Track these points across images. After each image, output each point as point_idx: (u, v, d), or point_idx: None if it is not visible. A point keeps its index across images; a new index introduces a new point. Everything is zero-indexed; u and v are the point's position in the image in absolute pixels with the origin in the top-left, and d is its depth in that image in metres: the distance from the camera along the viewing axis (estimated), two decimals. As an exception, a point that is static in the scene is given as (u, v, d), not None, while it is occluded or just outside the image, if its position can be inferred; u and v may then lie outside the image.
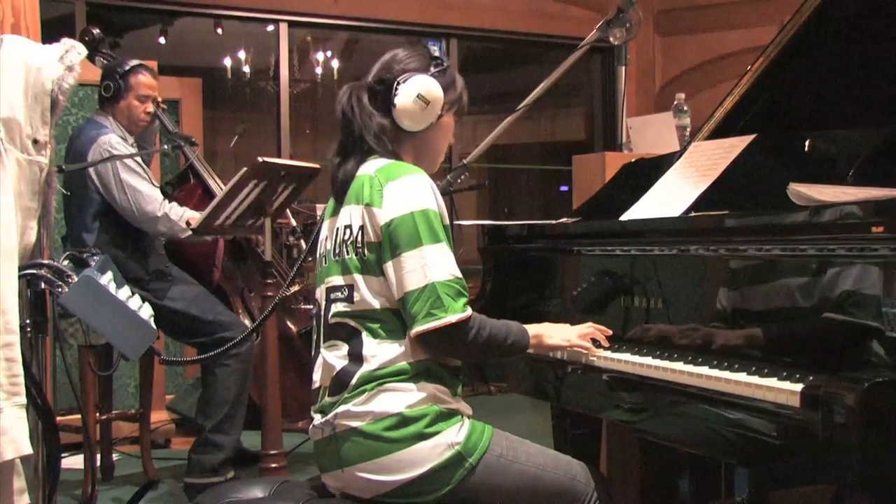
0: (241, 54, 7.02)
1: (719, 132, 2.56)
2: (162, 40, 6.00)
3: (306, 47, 7.02)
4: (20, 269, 2.05)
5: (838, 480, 1.47)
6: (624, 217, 2.26)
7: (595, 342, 2.05)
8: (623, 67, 3.53)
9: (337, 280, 1.89)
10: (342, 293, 1.88)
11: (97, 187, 3.35)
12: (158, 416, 4.25)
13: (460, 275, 1.83)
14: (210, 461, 3.37)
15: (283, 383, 3.52)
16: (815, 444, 1.46)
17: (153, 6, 5.39)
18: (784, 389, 1.54)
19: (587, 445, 2.56)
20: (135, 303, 2.08)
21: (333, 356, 1.87)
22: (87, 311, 2.06)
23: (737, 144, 2.16)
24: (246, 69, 7.09)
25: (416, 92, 1.90)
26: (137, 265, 3.38)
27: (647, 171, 2.42)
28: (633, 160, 2.77)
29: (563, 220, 2.60)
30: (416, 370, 1.81)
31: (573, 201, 3.27)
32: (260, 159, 3.06)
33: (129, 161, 3.33)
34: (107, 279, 2.04)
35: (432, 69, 1.95)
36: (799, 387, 1.52)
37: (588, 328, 2.06)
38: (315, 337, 1.96)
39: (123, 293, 2.07)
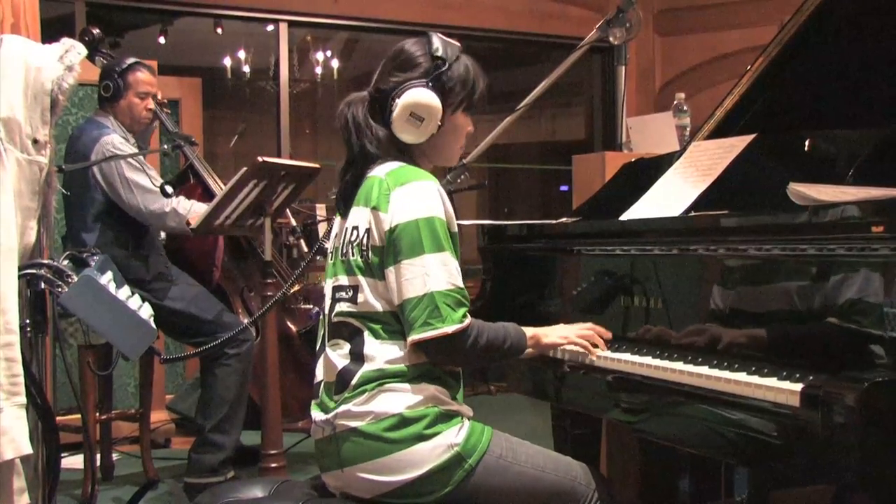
0: (241, 54, 7.02)
1: (719, 132, 2.56)
2: (162, 40, 6.00)
3: (306, 47, 7.02)
4: (20, 268, 2.05)
5: (838, 480, 1.46)
6: (624, 217, 2.26)
7: (594, 346, 2.04)
8: (623, 67, 3.53)
9: (343, 280, 1.89)
10: (346, 293, 1.87)
11: (101, 187, 3.35)
12: (158, 416, 4.25)
13: (461, 284, 1.82)
14: (210, 461, 3.37)
15: (283, 383, 3.52)
16: (815, 443, 1.46)
17: (153, 6, 5.38)
18: (784, 389, 1.54)
19: (587, 445, 2.56)
20: (134, 302, 2.08)
21: (336, 355, 1.87)
22: (86, 311, 2.05)
23: (736, 144, 2.16)
24: (246, 69, 7.09)
25: (409, 111, 1.85)
26: (138, 265, 3.38)
27: (647, 171, 2.42)
28: (632, 160, 2.77)
29: (563, 219, 2.60)
30: (417, 372, 1.81)
31: (573, 201, 3.27)
32: (260, 159, 3.06)
33: (132, 159, 3.33)
34: (106, 279, 2.04)
35: (435, 72, 1.89)
36: (799, 386, 1.52)
37: (587, 328, 2.06)
38: (322, 332, 1.96)
39: (123, 293, 2.07)
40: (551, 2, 6.16)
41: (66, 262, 2.09)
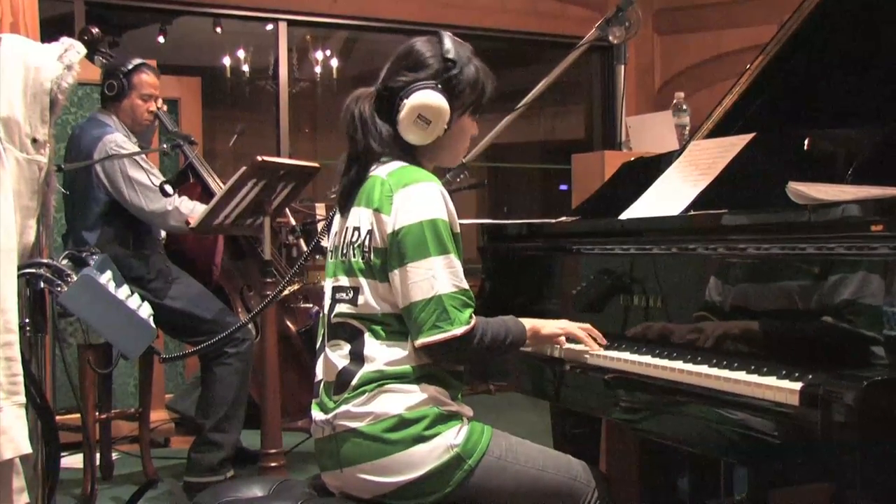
0: (241, 53, 7.01)
1: (718, 131, 2.56)
2: (161, 39, 5.99)
3: (305, 46, 7.01)
4: (19, 268, 2.05)
5: (837, 479, 1.46)
6: (623, 216, 2.26)
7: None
8: (622, 66, 3.53)
9: (343, 280, 1.89)
10: (347, 294, 1.87)
11: (105, 186, 3.35)
12: (158, 415, 4.25)
13: (466, 286, 1.82)
14: (209, 460, 3.37)
15: (283, 382, 3.52)
16: (815, 442, 1.46)
17: (152, 5, 5.39)
18: (783, 388, 1.54)
19: (587, 444, 2.56)
20: (134, 302, 2.08)
21: (336, 355, 1.87)
22: (86, 311, 2.05)
23: (736, 143, 2.16)
24: (245, 68, 7.09)
25: (417, 112, 1.84)
26: (139, 264, 3.38)
27: (647, 170, 2.42)
28: (632, 159, 2.77)
29: (563, 218, 2.59)
30: (418, 373, 1.81)
31: (572, 200, 3.27)
32: (259, 158, 3.05)
33: (135, 158, 3.33)
34: (106, 278, 2.04)
35: (444, 74, 1.87)
36: (798, 385, 1.52)
37: (584, 328, 2.06)
38: (321, 332, 1.96)
39: (122, 292, 2.06)
40: (551, 1, 6.16)
41: (65, 262, 2.09)
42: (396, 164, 1.87)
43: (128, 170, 3.32)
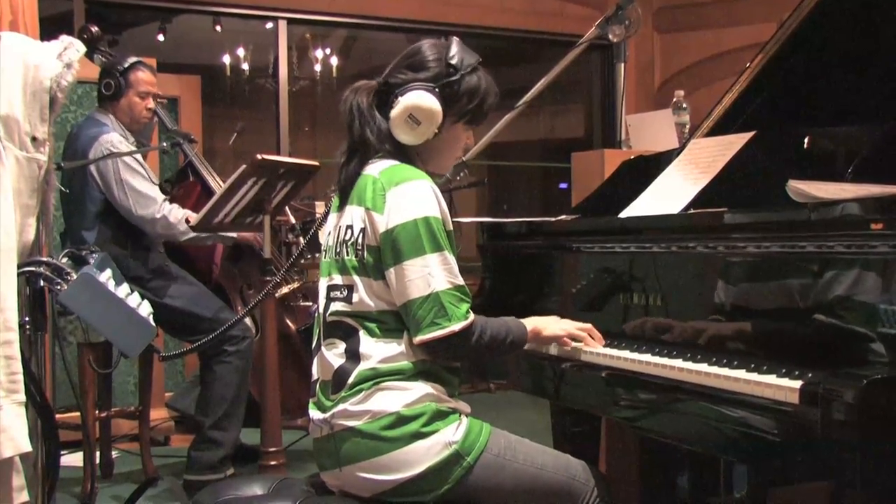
0: (240, 52, 7.01)
1: (718, 129, 2.56)
2: (161, 38, 5.99)
3: (305, 44, 7.01)
4: (19, 266, 2.05)
5: (837, 477, 1.46)
6: (623, 214, 2.26)
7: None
8: (622, 64, 3.53)
9: (337, 279, 1.89)
10: (341, 293, 1.87)
11: (99, 185, 3.35)
12: (158, 414, 4.26)
13: (462, 282, 1.82)
14: (209, 458, 3.37)
15: (283, 381, 3.52)
16: (814, 440, 1.46)
17: (152, 3, 5.38)
18: (783, 386, 1.54)
19: (586, 443, 2.57)
20: (133, 300, 2.08)
21: (332, 354, 1.87)
22: (85, 309, 2.05)
23: (736, 141, 2.16)
24: (245, 66, 7.08)
25: (408, 112, 1.85)
26: (138, 263, 3.38)
27: (646, 169, 2.42)
28: (632, 157, 2.77)
29: (562, 217, 2.59)
30: (415, 370, 1.81)
31: (572, 198, 3.26)
32: (259, 156, 3.05)
33: (130, 161, 3.33)
34: (105, 277, 2.04)
35: (444, 79, 1.88)
36: (798, 383, 1.52)
37: (585, 328, 2.06)
38: (317, 330, 1.96)
39: (122, 290, 2.06)
40: (550, -1, 6.17)
41: (65, 260, 2.09)
42: (388, 163, 1.88)
43: (121, 172, 3.32)
